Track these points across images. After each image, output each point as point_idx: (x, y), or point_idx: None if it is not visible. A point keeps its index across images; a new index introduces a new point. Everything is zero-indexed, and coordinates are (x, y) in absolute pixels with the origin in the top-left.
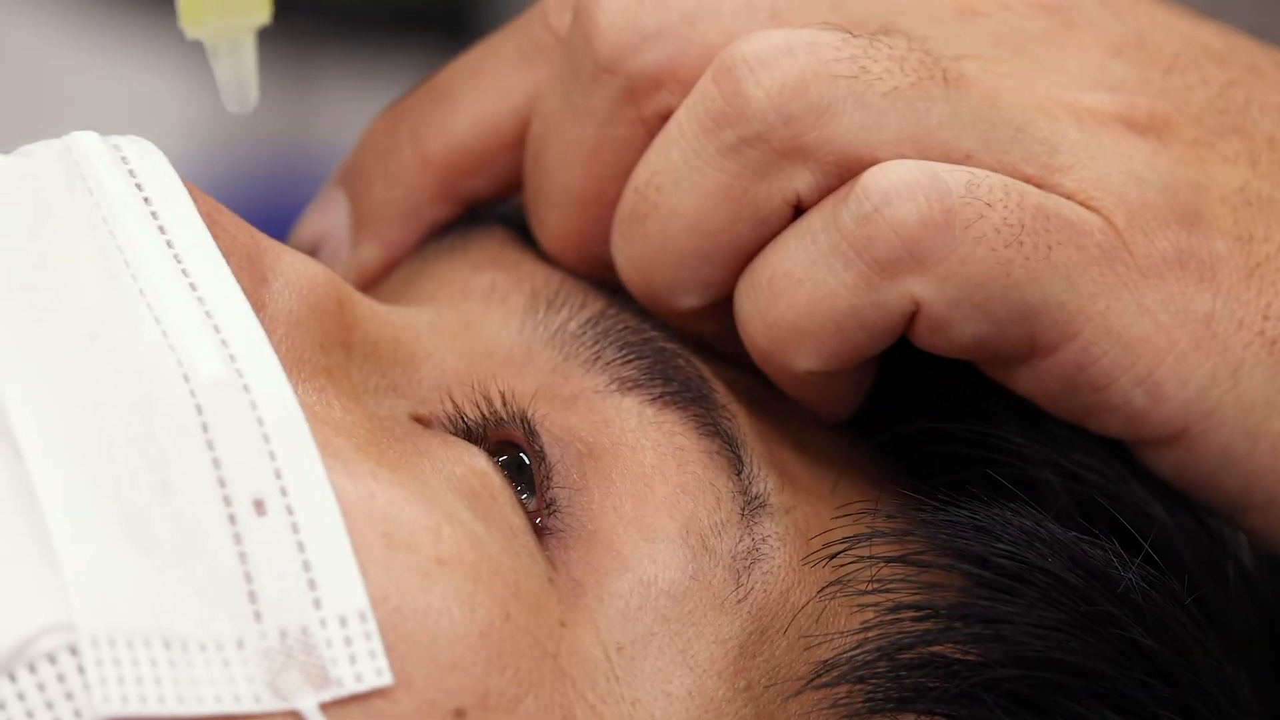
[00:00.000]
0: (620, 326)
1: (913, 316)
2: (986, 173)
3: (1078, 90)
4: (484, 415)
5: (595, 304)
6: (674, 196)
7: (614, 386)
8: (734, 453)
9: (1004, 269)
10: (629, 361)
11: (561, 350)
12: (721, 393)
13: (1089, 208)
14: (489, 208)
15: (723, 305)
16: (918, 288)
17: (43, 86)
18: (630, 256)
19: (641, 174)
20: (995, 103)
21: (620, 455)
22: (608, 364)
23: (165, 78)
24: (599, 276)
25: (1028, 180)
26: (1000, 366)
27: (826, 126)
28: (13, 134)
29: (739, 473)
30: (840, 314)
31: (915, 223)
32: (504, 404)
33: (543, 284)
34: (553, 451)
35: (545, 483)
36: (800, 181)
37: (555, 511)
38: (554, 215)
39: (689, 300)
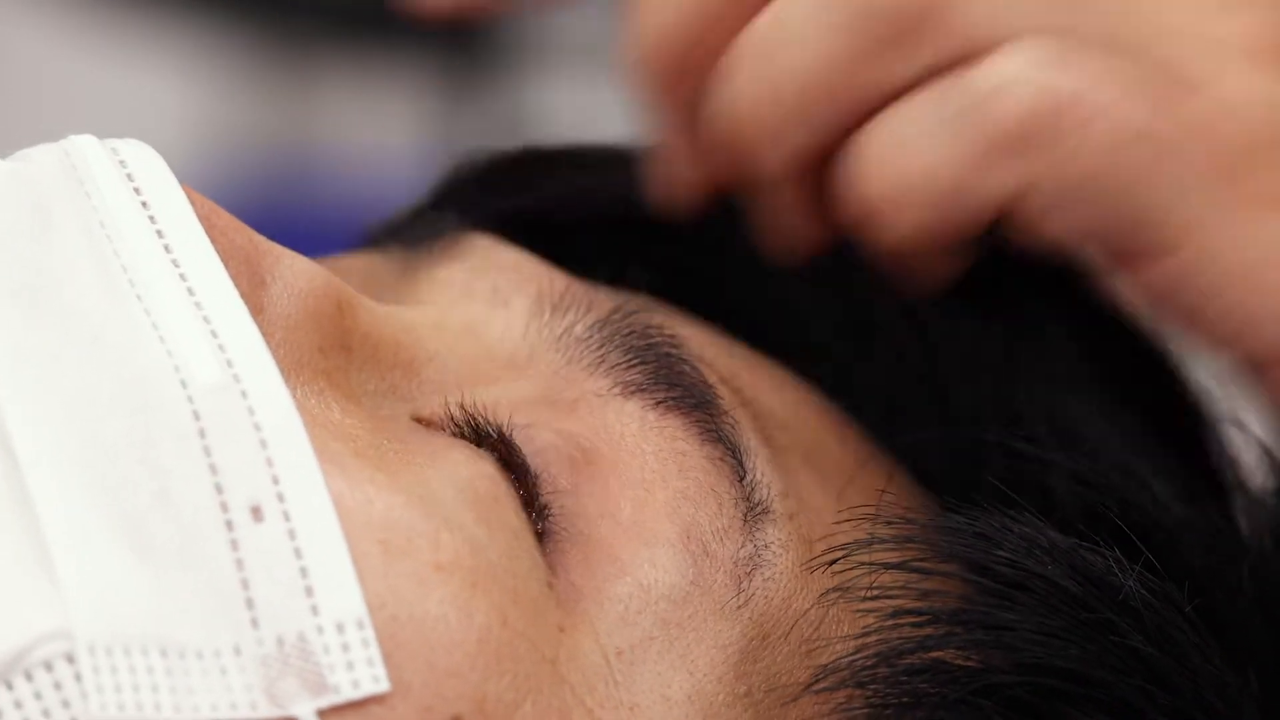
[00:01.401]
0: (626, 330)
1: (1015, 202)
2: (1116, 69)
3: (1216, 12)
4: (473, 427)
5: (602, 307)
6: (794, 47)
7: (617, 390)
8: (736, 459)
9: (1117, 169)
10: (633, 366)
11: (565, 354)
12: (726, 399)
13: (1215, 126)
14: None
15: (803, 176)
16: (1026, 173)
17: (43, 87)
18: (736, 92)
19: (766, 16)
20: (1135, 8)
21: (620, 460)
22: (612, 367)
23: (165, 78)
24: (671, 107)
25: (1158, 87)
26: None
27: (961, 3)
28: (13, 134)
29: (741, 479)
30: (944, 187)
31: (1034, 108)
32: (486, 419)
33: (548, 287)
34: (535, 462)
35: (532, 491)
36: (928, 54)
37: (548, 516)
38: (671, 15)
39: (780, 151)
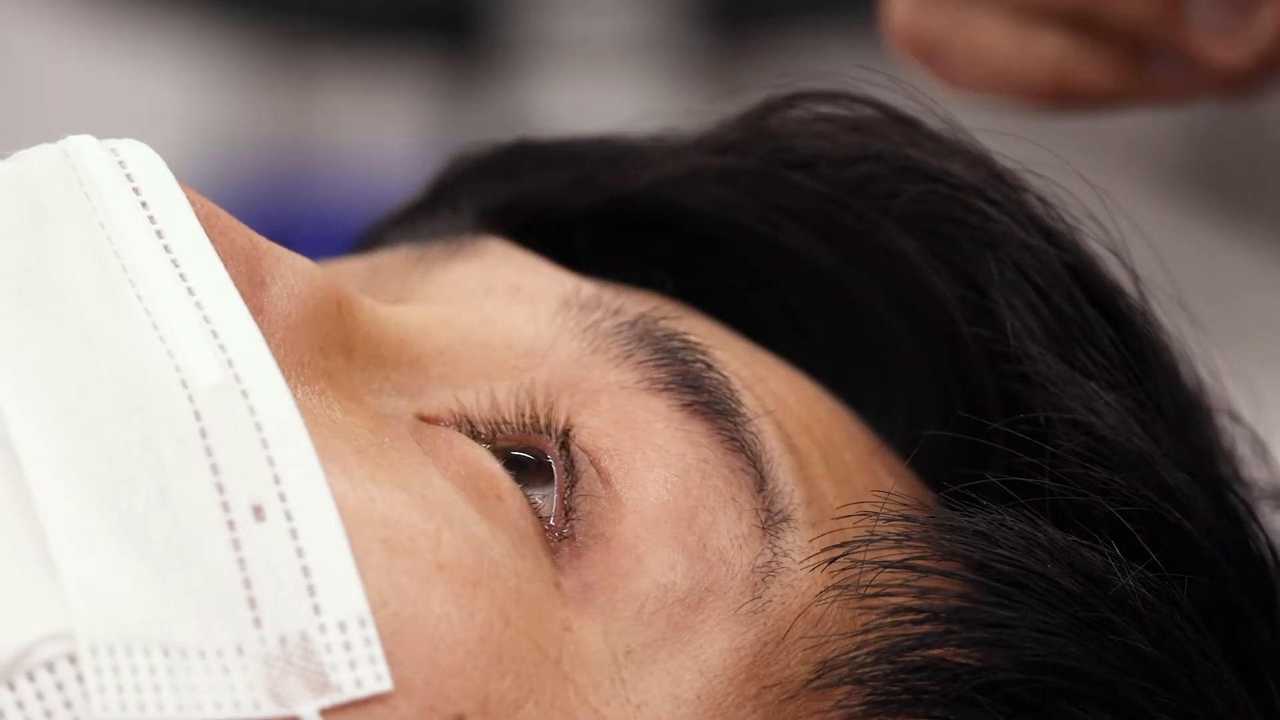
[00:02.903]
0: (657, 331)
1: None
2: None
3: None
4: (521, 418)
5: (631, 310)
6: None
7: (644, 385)
8: (758, 470)
9: None
10: (661, 364)
11: (591, 344)
12: (750, 406)
13: None
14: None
15: None
16: None
17: (43, 87)
18: None
19: None
20: None
21: (645, 462)
22: (640, 363)
23: (165, 78)
24: None
25: None
26: None
27: None
28: (13, 134)
29: (761, 489)
30: None
31: None
32: (548, 410)
33: (573, 291)
34: (580, 461)
35: (568, 491)
36: None
37: (576, 519)
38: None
39: None
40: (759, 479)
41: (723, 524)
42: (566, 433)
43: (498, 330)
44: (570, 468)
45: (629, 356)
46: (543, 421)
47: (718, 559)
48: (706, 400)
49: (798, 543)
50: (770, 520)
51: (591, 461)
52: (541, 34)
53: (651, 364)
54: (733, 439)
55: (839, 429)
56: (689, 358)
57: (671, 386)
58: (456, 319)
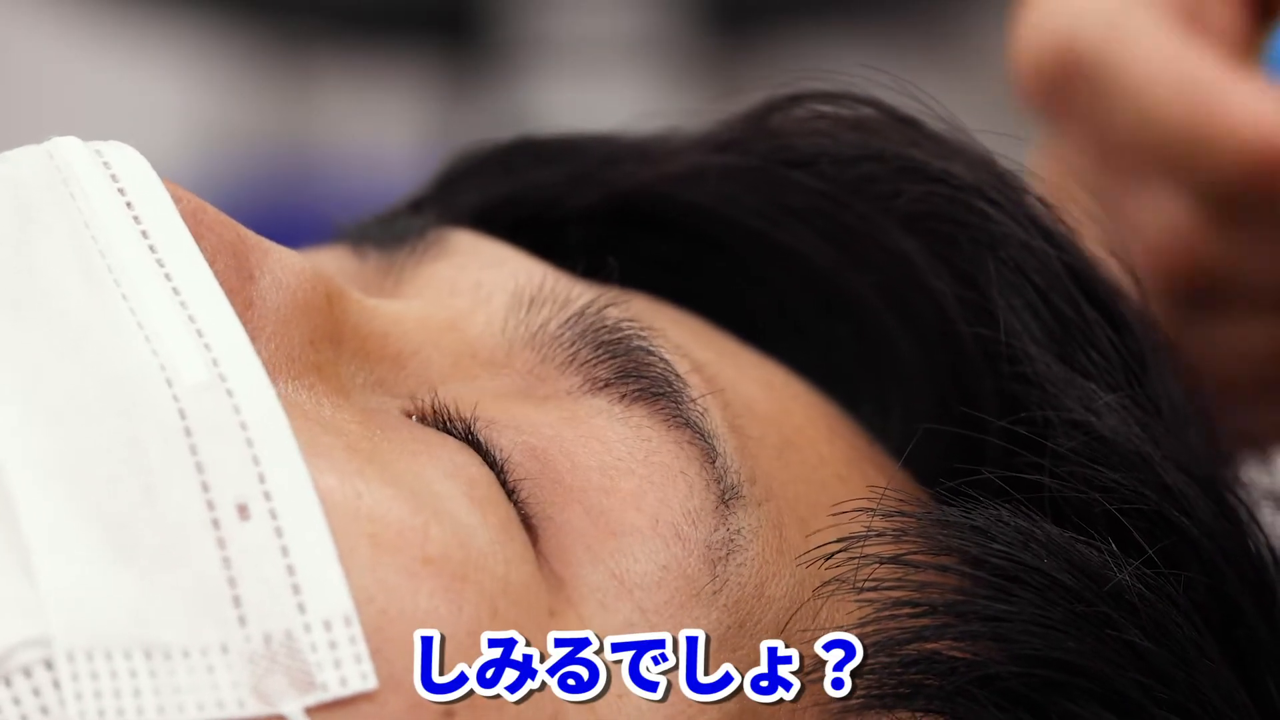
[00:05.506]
0: (598, 325)
1: None
2: None
3: None
4: (482, 418)
5: (577, 302)
6: None
7: (586, 387)
8: (706, 443)
9: None
10: (602, 361)
11: (539, 352)
12: (696, 386)
13: None
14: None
15: None
16: None
17: (42, 86)
18: None
19: None
20: None
21: (585, 451)
22: (582, 364)
23: (165, 78)
24: None
25: None
26: None
27: None
28: (12, 134)
29: (713, 461)
30: None
31: None
32: (452, 416)
33: (525, 281)
34: (500, 455)
35: (504, 480)
36: None
37: (519, 504)
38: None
39: None
40: (709, 451)
41: (673, 499)
42: (473, 433)
43: (463, 338)
44: (493, 460)
45: (573, 360)
46: (461, 429)
47: (672, 535)
48: (645, 385)
49: (748, 520)
50: (724, 495)
51: (514, 453)
52: (541, 34)
53: (592, 363)
54: (675, 415)
55: (821, 425)
56: (630, 346)
57: (612, 382)
58: (430, 318)
